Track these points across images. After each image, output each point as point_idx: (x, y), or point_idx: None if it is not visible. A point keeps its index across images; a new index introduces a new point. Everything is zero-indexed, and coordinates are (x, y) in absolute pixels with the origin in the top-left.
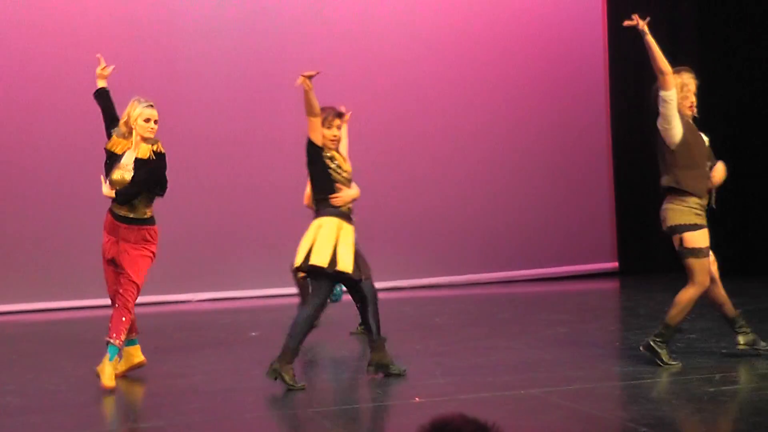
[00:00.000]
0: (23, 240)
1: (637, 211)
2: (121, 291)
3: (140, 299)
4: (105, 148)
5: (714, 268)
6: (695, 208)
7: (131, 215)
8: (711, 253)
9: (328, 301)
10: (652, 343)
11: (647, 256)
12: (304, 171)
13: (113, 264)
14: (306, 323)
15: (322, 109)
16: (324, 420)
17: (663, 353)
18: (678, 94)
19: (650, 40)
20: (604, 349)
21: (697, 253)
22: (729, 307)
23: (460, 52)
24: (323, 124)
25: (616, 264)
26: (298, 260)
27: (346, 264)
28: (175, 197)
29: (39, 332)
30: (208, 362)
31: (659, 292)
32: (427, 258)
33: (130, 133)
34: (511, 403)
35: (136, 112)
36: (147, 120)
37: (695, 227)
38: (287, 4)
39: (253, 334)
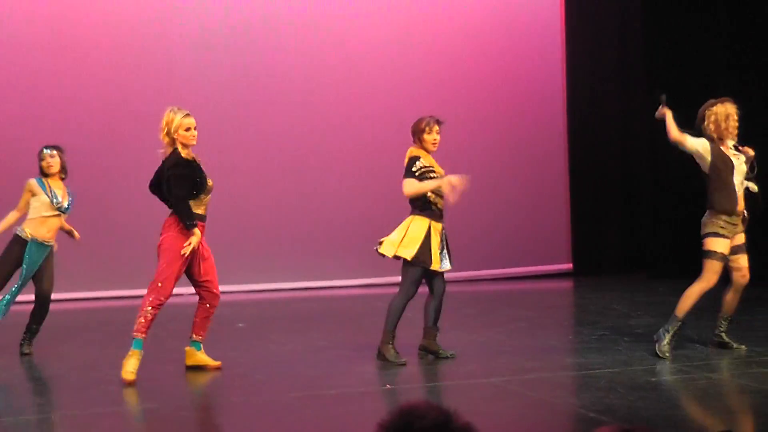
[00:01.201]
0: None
1: (590, 218)
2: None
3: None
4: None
5: (739, 276)
6: (721, 222)
7: None
8: (741, 260)
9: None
10: (661, 331)
11: (599, 259)
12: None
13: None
14: (398, 308)
15: (422, 119)
16: (296, 405)
17: (664, 342)
18: (723, 123)
19: (667, 119)
20: (559, 342)
21: (711, 255)
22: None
23: (416, 56)
24: (425, 131)
25: (571, 265)
26: (389, 251)
27: (427, 259)
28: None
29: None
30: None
31: (608, 291)
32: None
33: (172, 143)
34: (472, 390)
35: (177, 122)
36: (188, 129)
37: (716, 235)
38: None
39: (240, 325)
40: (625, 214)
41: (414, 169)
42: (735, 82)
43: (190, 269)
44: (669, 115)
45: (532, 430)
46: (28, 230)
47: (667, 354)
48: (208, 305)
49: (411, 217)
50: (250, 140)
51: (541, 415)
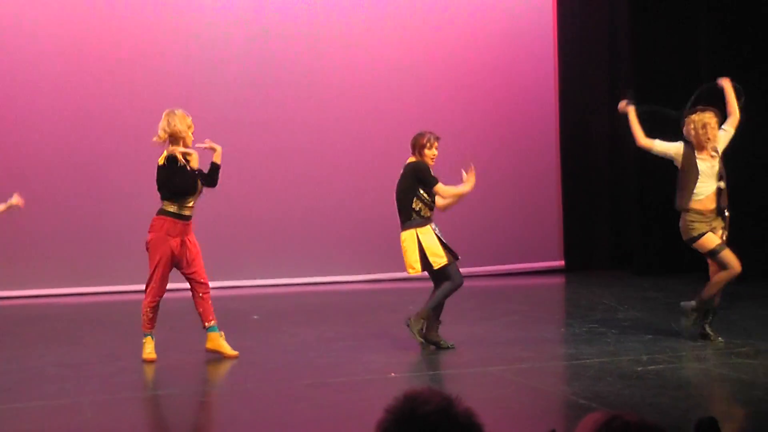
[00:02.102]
0: (60, 232)
1: (581, 217)
2: None
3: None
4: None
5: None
6: (694, 222)
7: None
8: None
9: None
10: (689, 309)
11: (589, 256)
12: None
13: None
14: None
15: (423, 134)
16: (307, 391)
17: (689, 320)
18: (700, 131)
19: (631, 122)
20: (551, 334)
21: (713, 253)
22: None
23: (410, 55)
24: (426, 146)
25: (563, 262)
26: (419, 267)
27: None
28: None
29: (69, 313)
30: None
31: (597, 287)
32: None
33: (171, 143)
34: (471, 378)
35: (185, 123)
36: (189, 127)
37: (700, 236)
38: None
39: (255, 317)
40: (614, 214)
41: (433, 174)
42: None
43: (179, 264)
44: (632, 117)
45: (527, 416)
46: None
47: (709, 333)
48: (200, 294)
49: (407, 233)
50: (263, 142)
51: (535, 402)
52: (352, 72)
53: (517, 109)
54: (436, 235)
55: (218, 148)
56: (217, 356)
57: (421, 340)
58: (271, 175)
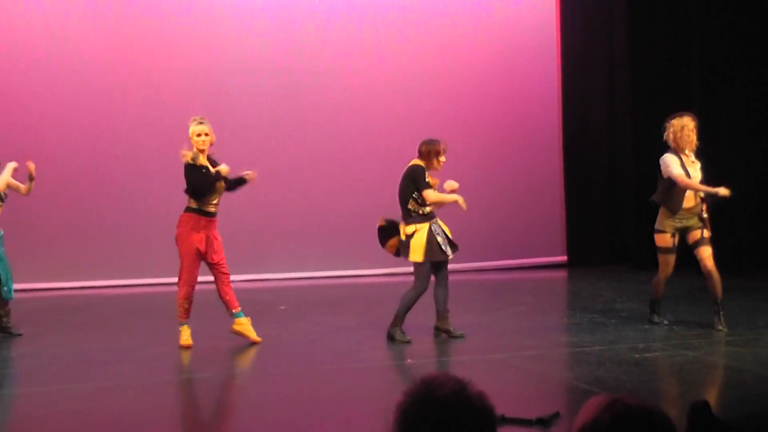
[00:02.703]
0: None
1: (583, 216)
2: None
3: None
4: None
5: (701, 266)
6: (665, 219)
7: None
8: (701, 251)
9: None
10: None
11: (590, 252)
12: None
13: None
14: (409, 300)
15: (437, 142)
16: (329, 375)
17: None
18: (678, 133)
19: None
20: (555, 323)
21: (657, 249)
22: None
23: (415, 54)
24: (441, 153)
25: (565, 258)
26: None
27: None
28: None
29: (113, 304)
30: None
31: (598, 280)
32: None
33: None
34: (481, 364)
35: (191, 130)
36: (198, 135)
37: (657, 231)
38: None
39: (282, 307)
40: (612, 213)
41: (427, 180)
42: (706, 81)
43: (205, 257)
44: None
45: (532, 399)
46: None
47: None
48: (222, 282)
49: (408, 227)
50: (286, 149)
51: (540, 386)
52: (371, 79)
53: (524, 120)
54: (432, 233)
55: (254, 176)
56: (245, 342)
57: (408, 339)
58: (298, 179)
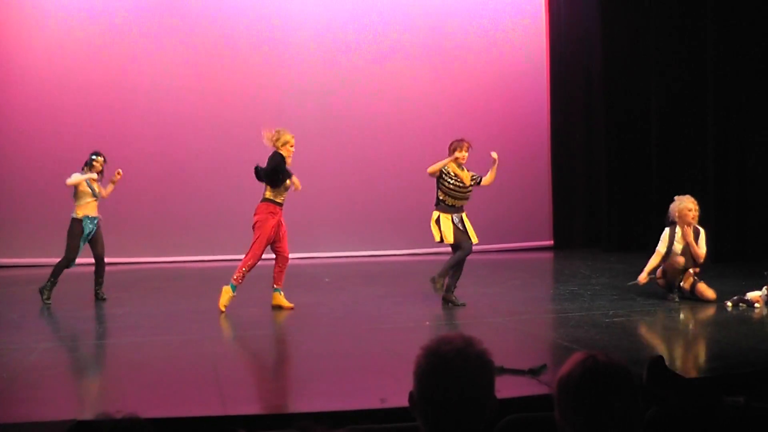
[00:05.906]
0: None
1: (565, 206)
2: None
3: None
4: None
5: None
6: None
7: None
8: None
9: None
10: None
11: (571, 237)
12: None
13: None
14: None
15: (454, 141)
16: (365, 334)
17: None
18: (677, 212)
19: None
20: (542, 294)
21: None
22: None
23: (414, 48)
24: (458, 149)
25: (552, 242)
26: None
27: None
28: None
29: (197, 274)
30: (299, 296)
31: (577, 260)
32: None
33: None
34: (484, 327)
35: (287, 137)
36: (292, 145)
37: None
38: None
39: (327, 279)
40: (590, 205)
41: (448, 170)
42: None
43: (273, 243)
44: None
45: (525, 354)
46: (79, 212)
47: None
48: (281, 264)
49: (435, 213)
50: (337, 152)
51: (531, 344)
52: (398, 97)
53: (515, 123)
54: (453, 223)
55: (299, 187)
56: (286, 312)
57: (442, 290)
58: (343, 179)
